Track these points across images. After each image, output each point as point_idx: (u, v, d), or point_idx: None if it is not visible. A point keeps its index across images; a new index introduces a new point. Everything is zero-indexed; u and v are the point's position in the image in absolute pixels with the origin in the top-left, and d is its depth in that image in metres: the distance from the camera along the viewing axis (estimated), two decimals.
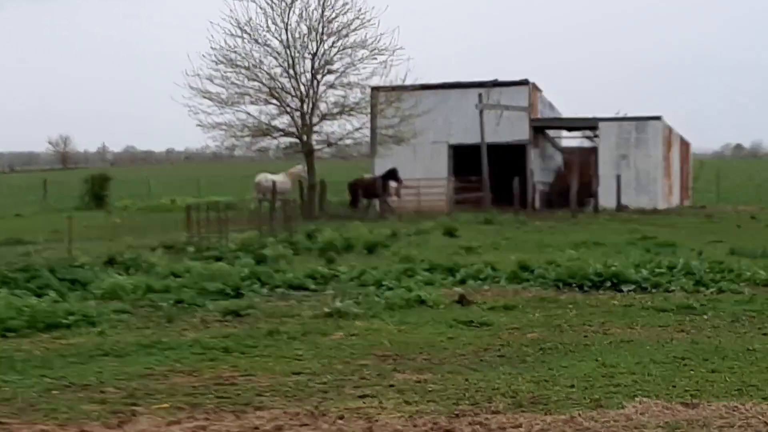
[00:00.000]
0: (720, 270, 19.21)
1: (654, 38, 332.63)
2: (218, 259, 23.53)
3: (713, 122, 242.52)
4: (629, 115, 51.70)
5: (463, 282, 19.10)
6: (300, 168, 50.09)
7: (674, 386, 10.18)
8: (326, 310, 15.28)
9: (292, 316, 15.19)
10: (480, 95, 49.09)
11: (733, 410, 9.08)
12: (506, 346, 12.66)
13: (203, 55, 45.53)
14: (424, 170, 50.08)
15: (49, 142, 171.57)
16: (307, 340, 13.09)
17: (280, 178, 48.07)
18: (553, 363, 11.46)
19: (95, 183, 57.53)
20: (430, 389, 10.18)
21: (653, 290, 17.53)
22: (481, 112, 48.49)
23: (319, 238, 28.19)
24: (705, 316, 14.85)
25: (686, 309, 15.38)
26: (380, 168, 49.35)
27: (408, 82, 46.62)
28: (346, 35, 45.89)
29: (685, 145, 56.23)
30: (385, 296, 16.57)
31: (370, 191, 46.99)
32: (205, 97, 45.22)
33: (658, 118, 49.86)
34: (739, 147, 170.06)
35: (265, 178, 48.06)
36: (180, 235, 30.28)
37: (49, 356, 12.21)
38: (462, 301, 16.34)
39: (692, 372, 10.88)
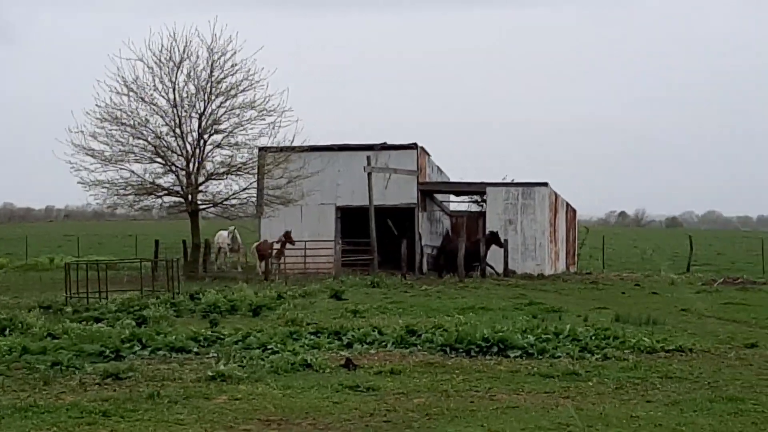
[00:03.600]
0: (605, 337, 19.37)
1: (544, 105, 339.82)
2: (98, 320, 23.13)
3: (599, 190, 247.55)
4: (516, 180, 52.37)
5: (349, 346, 18.93)
6: (232, 228, 49.99)
7: None
8: (209, 373, 14.97)
9: (173, 380, 14.86)
10: (368, 158, 49.12)
11: None
12: (392, 411, 12.53)
13: (88, 112, 44.79)
14: (311, 232, 49.91)
15: None
16: (189, 404, 12.80)
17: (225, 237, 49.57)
18: (439, 429, 11.36)
19: None
20: None
21: (539, 356, 17.57)
22: (369, 175, 48.52)
23: (202, 299, 27.80)
24: (590, 383, 14.90)
25: (571, 375, 15.44)
26: (266, 229, 49.14)
27: (296, 143, 46.64)
28: (235, 96, 45.80)
29: (571, 211, 57.00)
30: (270, 360, 16.35)
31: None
32: (88, 155, 44.51)
33: (544, 184, 50.50)
34: (623, 215, 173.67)
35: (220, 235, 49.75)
36: (58, 295, 29.63)
37: None
38: (348, 365, 16.18)
39: None
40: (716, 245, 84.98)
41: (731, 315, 26.99)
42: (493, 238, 46.90)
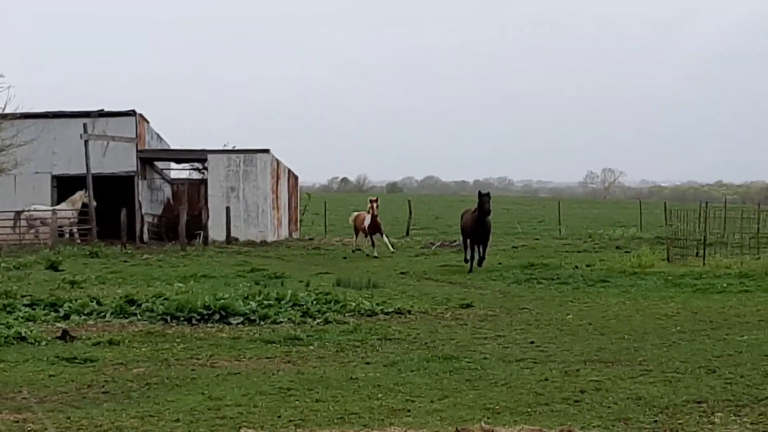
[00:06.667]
0: (327, 301, 19.65)
1: (262, 77, 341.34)
2: None
3: (321, 157, 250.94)
4: (238, 147, 52.20)
5: (66, 317, 18.44)
6: (81, 193, 46.62)
7: (279, 417, 10.26)
8: None
9: None
10: (85, 125, 47.87)
11: None
12: (111, 382, 12.32)
13: None
14: (25, 202, 48.14)
15: None
16: None
17: (65, 206, 46.12)
18: (159, 398, 11.25)
19: None
20: (29, 429, 9.71)
21: (261, 322, 17.68)
22: (86, 143, 47.27)
23: None
24: (311, 347, 15.10)
25: (293, 340, 15.60)
26: None
27: (8, 111, 44.80)
28: None
29: (293, 178, 57.34)
30: None
31: None
32: None
33: (266, 150, 50.52)
34: (345, 180, 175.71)
35: (32, 210, 45.94)
36: None
37: None
38: (65, 337, 15.77)
39: (297, 402, 11.00)
40: (435, 209, 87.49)
41: (448, 277, 27.96)
42: None
